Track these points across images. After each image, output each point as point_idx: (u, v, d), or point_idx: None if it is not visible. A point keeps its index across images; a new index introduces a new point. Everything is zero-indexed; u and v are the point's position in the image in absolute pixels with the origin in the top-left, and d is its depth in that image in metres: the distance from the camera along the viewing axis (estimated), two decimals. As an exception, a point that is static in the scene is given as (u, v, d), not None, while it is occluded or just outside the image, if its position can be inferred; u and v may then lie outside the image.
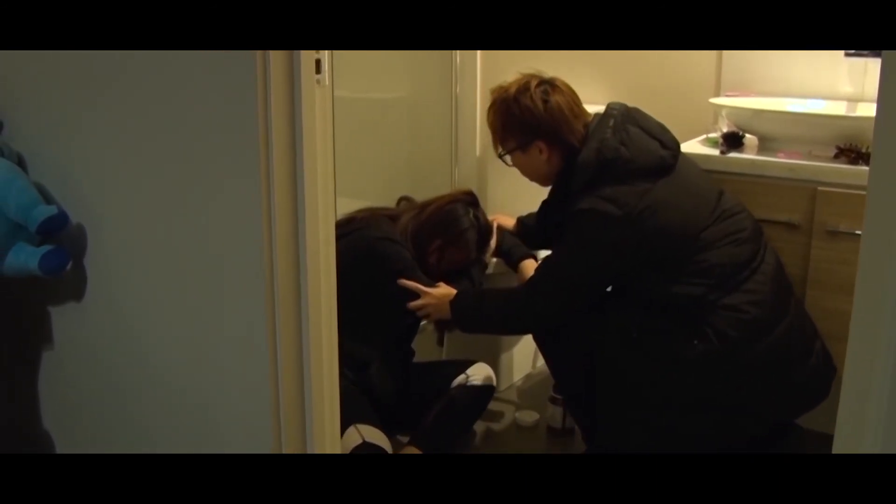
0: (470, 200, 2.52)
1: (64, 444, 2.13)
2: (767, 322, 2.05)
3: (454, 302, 2.28)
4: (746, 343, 2.03)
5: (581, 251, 2.11)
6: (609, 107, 2.18)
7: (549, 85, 2.20)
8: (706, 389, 2.06)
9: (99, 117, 1.81)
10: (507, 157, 2.29)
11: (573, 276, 2.13)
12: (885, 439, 1.14)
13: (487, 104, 2.30)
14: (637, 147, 2.10)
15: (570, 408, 2.55)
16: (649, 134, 2.14)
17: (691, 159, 2.26)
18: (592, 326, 2.19)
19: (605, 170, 2.07)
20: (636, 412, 2.15)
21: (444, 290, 2.31)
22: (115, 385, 1.98)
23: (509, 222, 2.66)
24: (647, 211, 2.04)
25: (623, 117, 2.14)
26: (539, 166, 2.23)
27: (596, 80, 2.30)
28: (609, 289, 2.22)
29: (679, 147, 2.18)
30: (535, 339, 2.45)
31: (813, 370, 2.08)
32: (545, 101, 2.17)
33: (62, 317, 2.03)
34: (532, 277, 2.24)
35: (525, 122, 2.18)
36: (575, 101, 2.22)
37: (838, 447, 1.27)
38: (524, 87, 2.20)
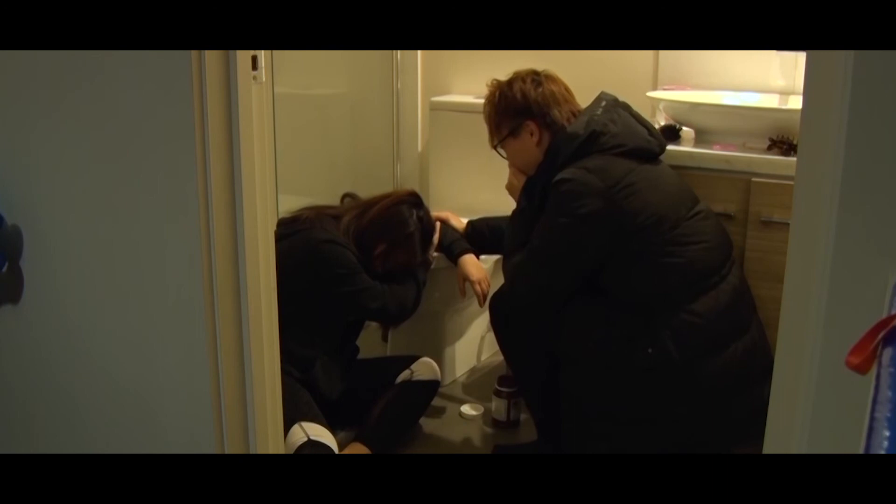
0: (414, 201, 2.52)
1: (2, 445, 2.09)
2: (724, 336, 2.05)
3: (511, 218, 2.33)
4: (702, 355, 2.02)
5: (560, 220, 2.08)
6: (601, 94, 2.23)
7: (542, 75, 2.26)
8: (663, 404, 2.05)
9: (34, 118, 1.78)
10: (501, 150, 2.30)
11: (551, 251, 2.11)
12: (813, 419, 1.18)
13: (429, 101, 2.29)
14: (625, 126, 2.14)
15: (526, 400, 2.54)
16: (638, 121, 2.19)
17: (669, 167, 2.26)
18: (553, 328, 2.18)
19: (592, 142, 2.09)
20: (598, 425, 2.14)
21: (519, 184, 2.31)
22: (54, 386, 1.95)
23: (458, 222, 2.67)
24: (629, 188, 2.04)
25: (614, 103, 2.20)
26: (531, 150, 2.22)
27: (535, 75, 2.32)
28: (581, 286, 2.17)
29: (665, 144, 2.23)
30: (495, 334, 2.43)
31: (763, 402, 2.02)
32: (537, 85, 2.22)
33: (-2, 319, 1.99)
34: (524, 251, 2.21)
35: (517, 103, 2.22)
36: (567, 90, 2.26)
37: (770, 425, 1.31)
38: (517, 76, 2.26)
